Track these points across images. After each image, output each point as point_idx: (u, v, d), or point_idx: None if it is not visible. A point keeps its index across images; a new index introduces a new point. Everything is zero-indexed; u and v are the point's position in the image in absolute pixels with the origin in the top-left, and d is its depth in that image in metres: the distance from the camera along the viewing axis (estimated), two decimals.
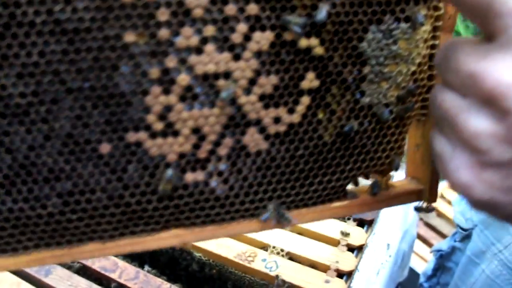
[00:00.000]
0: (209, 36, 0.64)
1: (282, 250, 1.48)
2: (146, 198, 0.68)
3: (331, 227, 1.54)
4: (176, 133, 0.67)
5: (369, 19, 0.68)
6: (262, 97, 0.68)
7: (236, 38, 0.65)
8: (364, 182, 0.81)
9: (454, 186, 0.58)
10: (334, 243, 1.50)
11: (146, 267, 1.49)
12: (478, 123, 0.53)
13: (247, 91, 0.68)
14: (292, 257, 1.47)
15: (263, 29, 0.66)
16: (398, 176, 0.85)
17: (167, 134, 0.67)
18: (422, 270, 1.99)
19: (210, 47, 0.64)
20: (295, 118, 0.70)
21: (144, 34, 0.62)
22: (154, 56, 0.63)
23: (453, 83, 0.57)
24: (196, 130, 0.67)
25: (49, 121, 0.63)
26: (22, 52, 0.60)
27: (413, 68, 0.72)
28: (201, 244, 1.49)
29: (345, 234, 1.52)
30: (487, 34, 0.54)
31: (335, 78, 0.70)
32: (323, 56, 0.69)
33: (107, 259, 1.44)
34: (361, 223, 1.58)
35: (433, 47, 0.72)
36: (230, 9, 0.64)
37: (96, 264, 1.43)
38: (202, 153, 0.69)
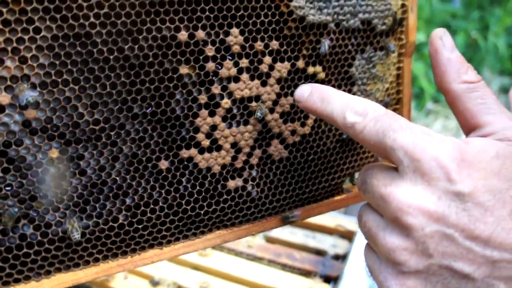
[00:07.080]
0: (244, 67, 0.79)
1: None
2: (199, 205, 0.80)
3: (299, 285, 1.58)
4: (219, 148, 0.80)
5: (355, 49, 0.89)
6: (282, 115, 0.85)
7: (264, 68, 0.81)
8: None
9: None
10: None
11: None
12: (393, 240, 0.64)
13: (272, 110, 0.84)
14: None
15: (282, 60, 0.83)
16: None
17: (213, 149, 0.80)
18: None
19: (245, 76, 0.80)
20: (306, 130, 0.88)
21: (195, 66, 0.76)
22: (203, 85, 0.77)
23: (371, 204, 0.70)
24: (234, 145, 0.81)
25: (117, 143, 0.73)
26: (97, 84, 0.70)
27: (387, 86, 0.94)
28: None
29: None
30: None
31: None
32: (324, 80, 0.87)
33: None
34: (327, 279, 1.62)
35: (399, 68, 0.95)
36: (259, 45, 0.80)
37: None
38: (238, 163, 0.83)
